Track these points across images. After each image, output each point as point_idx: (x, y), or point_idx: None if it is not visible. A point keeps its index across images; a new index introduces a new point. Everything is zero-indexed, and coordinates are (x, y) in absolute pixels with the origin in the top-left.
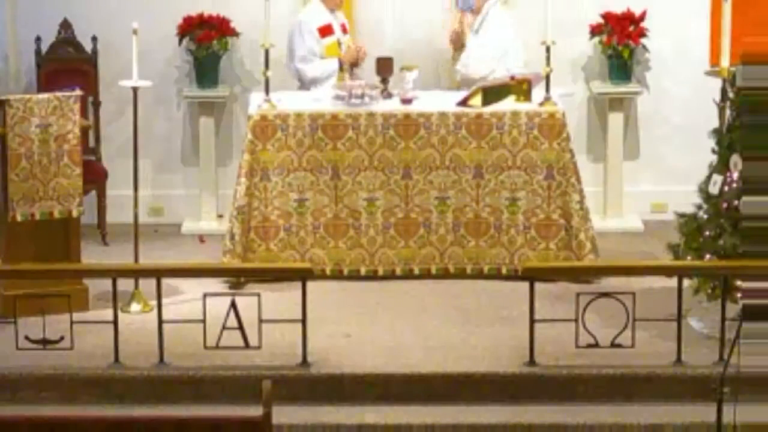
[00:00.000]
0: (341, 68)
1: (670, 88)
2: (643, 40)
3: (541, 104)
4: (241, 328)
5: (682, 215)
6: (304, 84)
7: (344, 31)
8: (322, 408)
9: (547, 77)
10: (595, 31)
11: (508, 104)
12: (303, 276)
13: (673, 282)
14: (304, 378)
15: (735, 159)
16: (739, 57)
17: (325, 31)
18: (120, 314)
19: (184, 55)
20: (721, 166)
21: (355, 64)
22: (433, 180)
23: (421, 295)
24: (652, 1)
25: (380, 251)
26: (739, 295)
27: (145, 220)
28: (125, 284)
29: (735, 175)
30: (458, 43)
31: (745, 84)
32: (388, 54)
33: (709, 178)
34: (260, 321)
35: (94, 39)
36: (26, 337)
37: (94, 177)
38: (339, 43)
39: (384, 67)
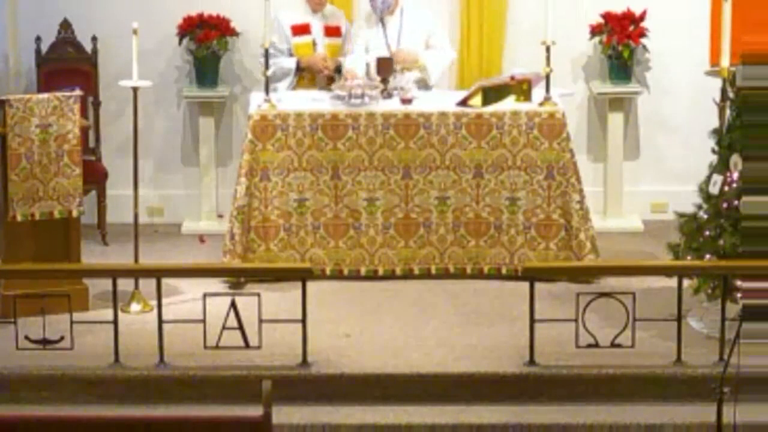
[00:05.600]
0: (300, 69)
1: (670, 88)
2: (643, 40)
3: (541, 104)
4: (241, 328)
5: (682, 215)
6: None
7: (332, 34)
8: (322, 408)
9: (547, 77)
10: (595, 31)
11: (508, 104)
12: (303, 276)
13: (673, 282)
14: (304, 378)
15: (735, 159)
16: (739, 57)
17: (300, 30)
18: (120, 314)
19: (184, 55)
20: (721, 166)
21: (317, 71)
22: (433, 180)
23: (421, 295)
24: (652, 1)
25: (380, 251)
26: (739, 295)
27: (145, 220)
28: (125, 284)
29: (735, 175)
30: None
31: (745, 84)
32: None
33: (709, 178)
34: (260, 321)
35: (94, 39)
36: (26, 337)
37: (94, 177)
38: (314, 44)
39: (384, 67)
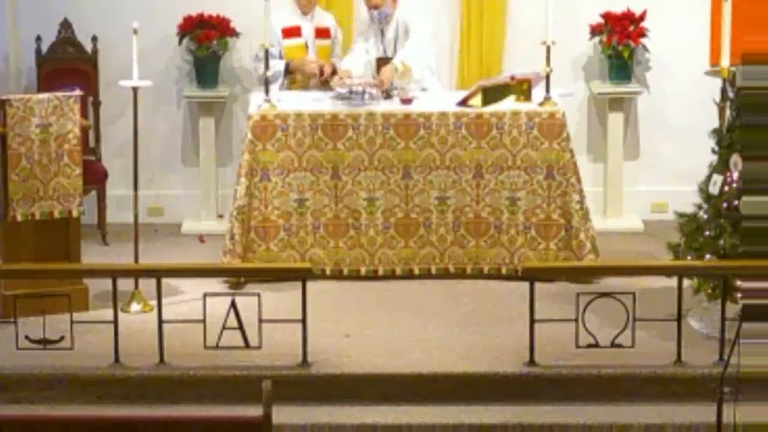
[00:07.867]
0: (289, 71)
1: (670, 88)
2: (643, 40)
3: (541, 104)
4: (241, 328)
5: (682, 215)
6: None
7: (321, 35)
8: (322, 408)
9: (547, 77)
10: (595, 31)
11: (508, 104)
12: (303, 276)
13: (673, 282)
14: (304, 378)
15: (735, 159)
16: (739, 57)
17: (290, 32)
18: (120, 314)
19: (184, 55)
20: (721, 166)
21: (309, 74)
22: (433, 180)
23: (421, 295)
24: (652, 1)
25: (380, 251)
26: (739, 295)
27: (145, 220)
28: (125, 284)
29: (735, 175)
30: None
31: (745, 84)
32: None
33: (709, 178)
34: (260, 321)
35: (94, 39)
36: (26, 337)
37: (94, 177)
38: (306, 47)
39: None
